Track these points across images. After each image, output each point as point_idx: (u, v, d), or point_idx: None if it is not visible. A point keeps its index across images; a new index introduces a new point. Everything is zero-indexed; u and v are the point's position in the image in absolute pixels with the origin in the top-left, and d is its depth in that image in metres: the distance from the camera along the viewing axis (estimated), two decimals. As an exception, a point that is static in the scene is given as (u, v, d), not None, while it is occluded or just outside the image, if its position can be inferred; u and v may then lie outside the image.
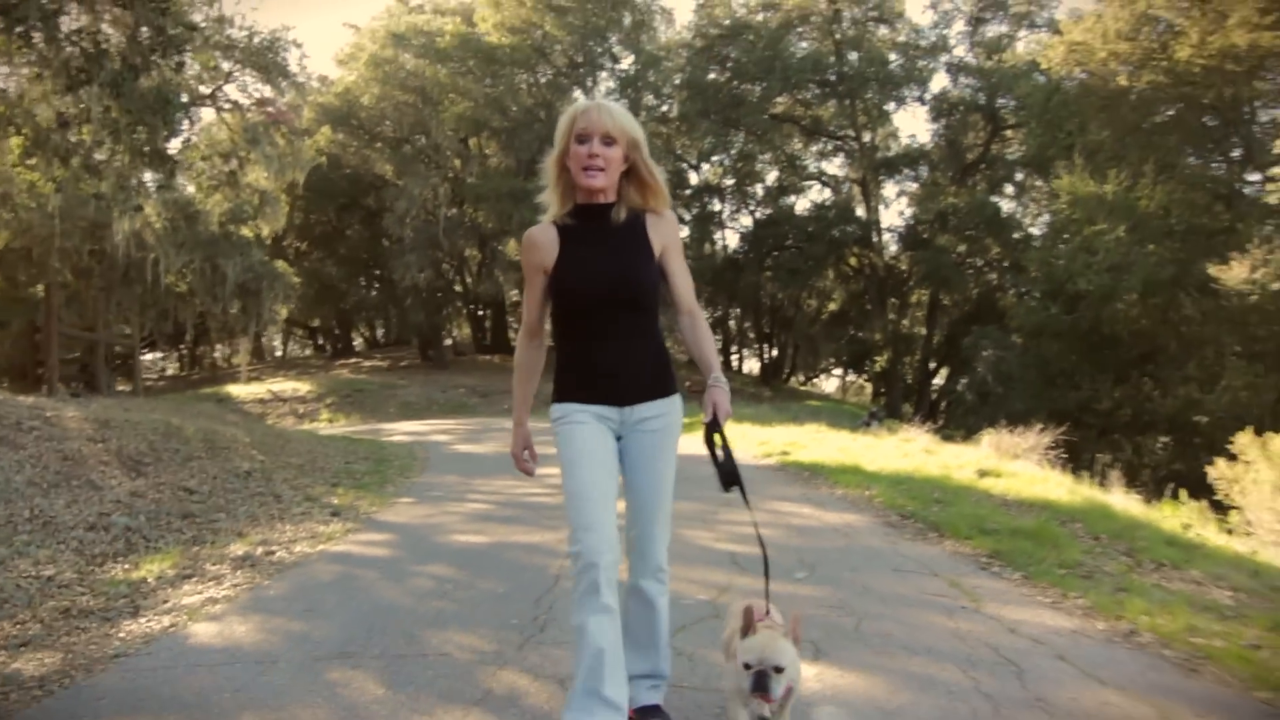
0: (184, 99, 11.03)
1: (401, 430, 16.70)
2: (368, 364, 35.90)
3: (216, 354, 46.08)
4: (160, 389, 31.50)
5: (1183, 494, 8.86)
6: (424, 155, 30.08)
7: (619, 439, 2.65)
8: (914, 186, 33.27)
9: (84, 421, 9.10)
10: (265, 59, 18.29)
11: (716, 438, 2.56)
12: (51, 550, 5.79)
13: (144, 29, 7.76)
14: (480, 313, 37.98)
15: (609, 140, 2.52)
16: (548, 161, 2.63)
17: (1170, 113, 18.56)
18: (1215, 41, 14.71)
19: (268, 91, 18.96)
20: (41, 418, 8.71)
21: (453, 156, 30.70)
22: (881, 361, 33.02)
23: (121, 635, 3.97)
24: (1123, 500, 7.48)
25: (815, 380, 47.35)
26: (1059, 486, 7.58)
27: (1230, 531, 8.62)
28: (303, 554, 5.67)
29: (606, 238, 2.60)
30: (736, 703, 2.47)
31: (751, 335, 40.68)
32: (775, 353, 39.42)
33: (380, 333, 46.76)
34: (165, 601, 4.59)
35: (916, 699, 2.88)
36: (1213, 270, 14.39)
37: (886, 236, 33.04)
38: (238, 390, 27.88)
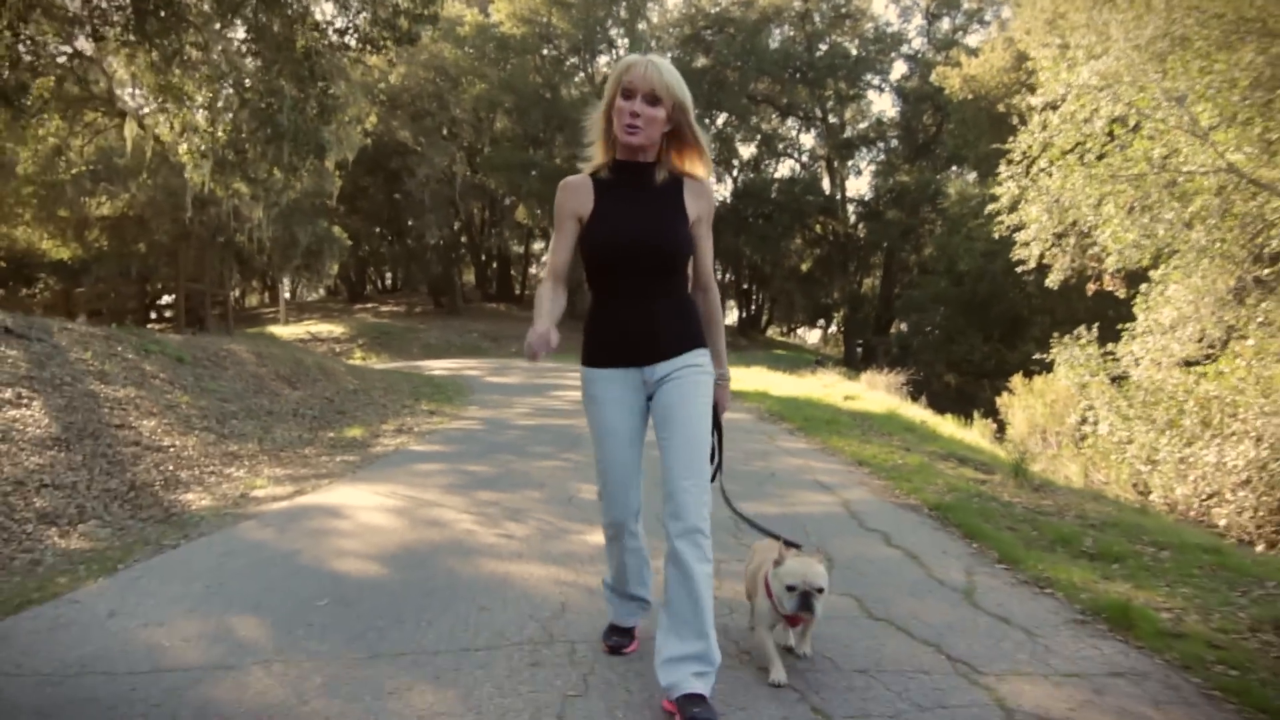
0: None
1: (436, 367, 20.48)
2: (384, 309, 39.78)
3: (233, 296, 50.16)
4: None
5: (976, 414, 13.52)
6: (442, 127, 34.01)
7: (649, 398, 2.66)
8: (879, 160, 37.51)
9: (247, 354, 13.42)
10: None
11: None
12: (286, 426, 10.24)
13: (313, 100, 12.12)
14: (485, 263, 42.08)
15: (653, 99, 2.47)
16: (594, 114, 2.63)
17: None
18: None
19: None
20: (227, 351, 13.02)
21: (469, 129, 34.70)
22: (838, 318, 37.58)
23: (373, 450, 8.45)
24: (918, 412, 12.08)
25: (794, 332, 51.94)
26: (882, 404, 12.16)
27: (1002, 439, 13.29)
28: (430, 428, 10.12)
29: (643, 197, 2.59)
30: (766, 630, 2.69)
31: (732, 290, 45.04)
32: (754, 307, 43.91)
33: (388, 279, 50.78)
34: (378, 444, 9.05)
35: (724, 463, 7.42)
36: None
37: (850, 207, 37.36)
38: (279, 330, 31.89)
